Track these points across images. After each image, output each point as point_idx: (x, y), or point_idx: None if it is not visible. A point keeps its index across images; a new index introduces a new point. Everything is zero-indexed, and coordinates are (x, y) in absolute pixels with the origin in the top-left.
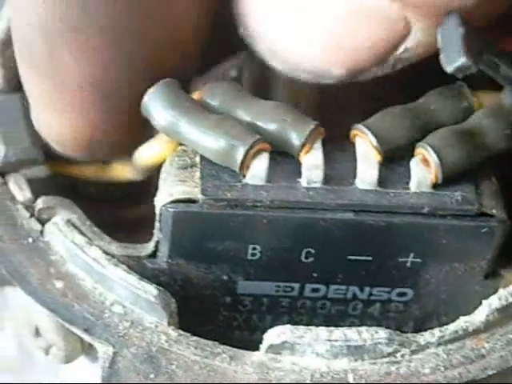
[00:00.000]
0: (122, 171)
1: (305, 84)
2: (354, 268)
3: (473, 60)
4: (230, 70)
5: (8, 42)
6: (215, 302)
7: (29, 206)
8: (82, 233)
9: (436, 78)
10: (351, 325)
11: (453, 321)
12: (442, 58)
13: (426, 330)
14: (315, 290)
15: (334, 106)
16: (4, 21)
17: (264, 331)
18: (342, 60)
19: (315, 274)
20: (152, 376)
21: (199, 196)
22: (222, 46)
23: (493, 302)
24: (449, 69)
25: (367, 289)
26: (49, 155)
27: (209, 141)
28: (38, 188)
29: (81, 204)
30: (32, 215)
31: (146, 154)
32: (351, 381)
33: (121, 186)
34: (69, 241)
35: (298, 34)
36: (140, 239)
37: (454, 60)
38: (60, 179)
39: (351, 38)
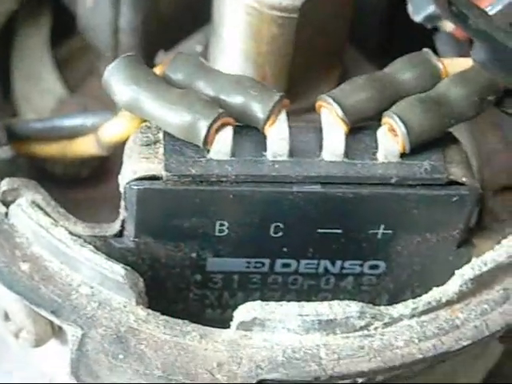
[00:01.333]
0: (86, 148)
1: (270, 55)
2: (325, 241)
3: (441, 9)
4: (195, 45)
5: None
6: (185, 281)
7: None
8: (46, 214)
9: (403, 45)
10: (324, 299)
11: (427, 292)
12: (410, 7)
13: (400, 302)
14: (286, 265)
15: (302, 79)
16: None
17: (236, 309)
18: None
19: (285, 249)
20: (121, 356)
21: (163, 172)
22: (188, 21)
23: (466, 272)
24: (417, 18)
25: (339, 262)
26: (12, 136)
27: (171, 116)
28: (3, 170)
29: (48, 185)
30: None
31: (110, 130)
32: (323, 355)
33: (88, 165)
34: (34, 222)
35: None
36: (109, 218)
37: (422, 8)
38: (26, 160)
39: None
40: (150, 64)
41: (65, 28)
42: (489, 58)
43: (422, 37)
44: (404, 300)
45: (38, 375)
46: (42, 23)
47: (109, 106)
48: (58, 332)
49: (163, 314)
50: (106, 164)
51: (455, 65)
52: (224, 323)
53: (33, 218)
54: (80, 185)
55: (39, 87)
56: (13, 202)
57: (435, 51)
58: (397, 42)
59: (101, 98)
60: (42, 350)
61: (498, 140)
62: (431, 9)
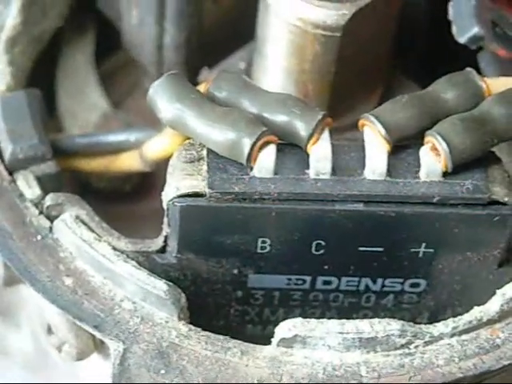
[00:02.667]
0: (129, 163)
1: (313, 73)
2: (366, 259)
3: (485, 30)
4: (238, 62)
5: (16, 39)
6: (226, 297)
7: (38, 204)
8: (90, 229)
9: (446, 65)
10: (365, 317)
11: (467, 311)
12: (454, 28)
13: (440, 321)
14: (327, 283)
15: (344, 97)
16: (12, 18)
17: (277, 325)
18: None
19: (326, 267)
20: (163, 372)
21: (206, 190)
22: (232, 39)
23: (507, 292)
24: (461, 39)
25: (380, 280)
26: (57, 151)
27: (215, 133)
28: (48, 185)
29: (92, 199)
30: (41, 212)
31: (154, 146)
32: (364, 373)
33: (132, 180)
34: (77, 237)
35: None
36: (152, 234)
37: (466, 30)
38: (70, 175)
39: None
40: (194, 81)
41: (109, 43)
42: None
43: (466, 56)
44: (445, 318)
45: None
46: (86, 39)
47: (152, 122)
48: (100, 346)
49: (205, 329)
50: (149, 179)
51: (498, 84)
52: (265, 339)
53: (76, 233)
54: (123, 200)
55: (84, 103)
56: (57, 216)
57: (479, 70)
58: (441, 61)
59: (144, 113)
60: (85, 364)
61: None
62: (475, 30)
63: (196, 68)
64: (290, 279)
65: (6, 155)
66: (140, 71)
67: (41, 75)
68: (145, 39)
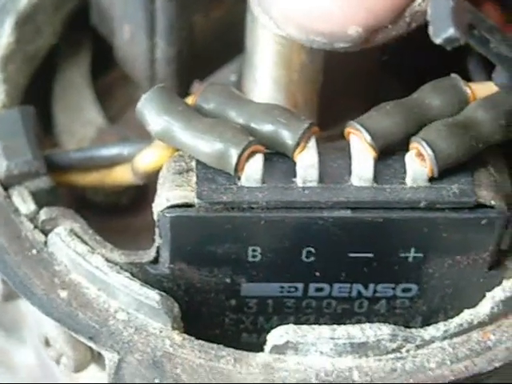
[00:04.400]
0: (123, 176)
1: (301, 83)
2: (356, 265)
3: (462, 32)
4: (229, 75)
5: (10, 57)
6: (220, 306)
7: (32, 218)
8: (84, 241)
9: (431, 72)
10: (358, 323)
11: (459, 315)
12: (431, 29)
13: (433, 325)
14: (319, 290)
15: (333, 105)
16: (5, 36)
17: None
18: (358, 16)
19: (318, 273)
20: (157, 381)
21: (195, 200)
22: (223, 51)
23: (497, 294)
24: (437, 40)
25: (371, 286)
26: (52, 166)
27: (203, 145)
28: (42, 199)
29: (88, 213)
30: (36, 227)
31: (144, 159)
32: (356, 378)
33: (128, 193)
34: (71, 250)
35: None
36: (149, 246)
37: (442, 31)
38: (66, 190)
39: None
40: (186, 94)
41: (105, 59)
42: (510, 82)
43: (456, 62)
44: (437, 322)
45: None
46: (82, 55)
47: (148, 135)
48: (97, 357)
49: (200, 338)
50: (146, 192)
51: (483, 89)
52: (260, 347)
53: (70, 246)
54: (120, 213)
55: (80, 119)
56: (51, 230)
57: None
58: (432, 67)
59: (140, 127)
60: (83, 376)
61: None
62: (451, 31)
63: (188, 81)
64: (282, 287)
65: (1, 171)
66: (134, 86)
67: (37, 92)
68: (137, 54)
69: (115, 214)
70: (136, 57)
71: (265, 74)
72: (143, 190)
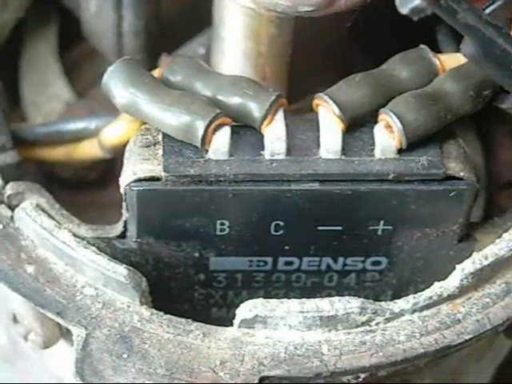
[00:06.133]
0: (90, 151)
1: (270, 56)
2: (325, 238)
3: (428, 2)
4: (198, 48)
5: None
6: (189, 280)
7: None
8: (50, 216)
9: (401, 45)
10: (328, 296)
11: (429, 287)
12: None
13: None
14: (288, 263)
15: (303, 78)
16: None
17: None
18: None
19: (287, 247)
20: (125, 356)
21: (162, 173)
22: (191, 24)
23: (466, 267)
24: (403, 10)
25: (341, 259)
26: (18, 141)
27: (169, 117)
28: (9, 174)
29: (57, 188)
30: (2, 202)
31: (111, 133)
32: (325, 352)
33: (97, 168)
34: (38, 225)
35: None
36: (116, 220)
37: (408, 1)
38: (34, 165)
39: None
40: (155, 68)
41: (72, 34)
42: (478, 53)
43: (425, 32)
44: (408, 296)
45: (49, 376)
46: (49, 30)
47: (116, 110)
48: (65, 333)
49: (169, 313)
50: (114, 167)
51: (452, 60)
52: (230, 322)
53: (37, 221)
54: (89, 188)
55: (47, 93)
56: (18, 205)
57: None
58: (401, 39)
59: (109, 101)
60: (52, 352)
61: (503, 134)
62: (417, 1)
63: (156, 55)
64: (251, 261)
65: None
66: (102, 60)
67: (4, 66)
68: (104, 28)
69: (84, 188)
70: (103, 30)
71: (233, 47)
72: (112, 165)
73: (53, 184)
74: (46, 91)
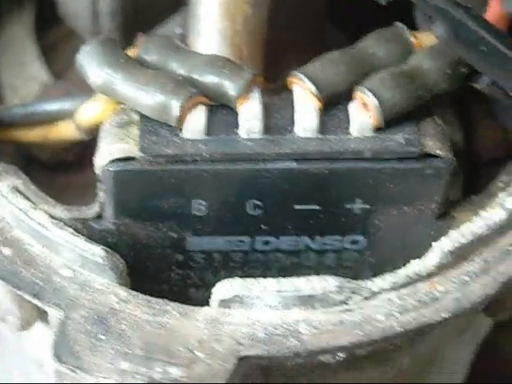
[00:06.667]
0: (66, 132)
1: (246, 35)
2: (303, 218)
3: None
4: (174, 27)
5: None
6: (166, 261)
7: None
8: (26, 198)
9: (375, 21)
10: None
11: (407, 266)
12: None
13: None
14: (266, 243)
15: (279, 57)
16: None
17: None
18: None
19: (264, 226)
20: (102, 337)
21: (138, 153)
22: (168, 4)
23: (444, 245)
24: None
25: (318, 238)
26: None
27: (144, 97)
28: None
29: (34, 170)
30: None
31: (86, 113)
32: (303, 331)
33: (74, 150)
34: (14, 206)
35: None
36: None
37: None
38: (15, 148)
39: None
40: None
41: (50, 15)
42: (449, 35)
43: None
44: None
45: (27, 358)
46: (26, 11)
47: (92, 91)
48: (43, 315)
49: (147, 294)
50: (92, 148)
51: (429, 38)
52: (208, 302)
53: (13, 203)
54: (67, 170)
55: (24, 74)
56: None
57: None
58: (376, 17)
59: (86, 83)
60: (30, 333)
61: (482, 112)
62: None
63: (133, 35)
64: (228, 241)
65: None
66: (80, 42)
67: None
68: (80, 8)
69: (62, 170)
70: (79, 11)
71: (209, 26)
72: (90, 146)
73: (31, 166)
74: (22, 73)
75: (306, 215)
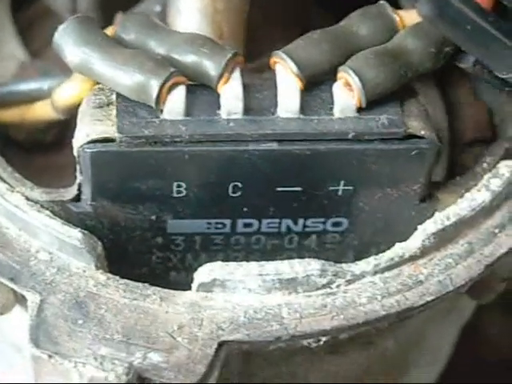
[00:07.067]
0: (43, 112)
1: (227, 13)
2: (285, 200)
3: None
4: (154, 5)
5: None
6: (146, 244)
7: None
8: (2, 180)
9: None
10: (289, 259)
11: (391, 249)
12: None
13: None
14: (248, 225)
15: (261, 36)
16: None
17: None
18: None
19: (245, 209)
20: (81, 322)
21: (116, 134)
22: None
23: (428, 227)
24: None
25: (301, 221)
26: None
27: (122, 77)
28: None
29: (12, 151)
30: None
31: (64, 93)
32: (285, 315)
33: (52, 131)
34: None
35: None
36: (72, 183)
37: None
38: None
39: None
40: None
41: None
42: (433, 13)
43: None
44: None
45: (6, 343)
46: None
47: (70, 70)
48: (21, 299)
49: (128, 278)
50: (70, 129)
51: (412, 16)
52: (189, 286)
53: None
54: (44, 151)
55: (1, 53)
56: None
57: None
58: None
59: (64, 62)
60: (8, 318)
61: (466, 92)
62: None
63: (112, 14)
64: (209, 223)
65: None
66: (57, 20)
67: None
68: None
69: (40, 151)
70: None
71: (189, 4)
72: (67, 127)
73: (8, 147)
74: None
75: (288, 197)
